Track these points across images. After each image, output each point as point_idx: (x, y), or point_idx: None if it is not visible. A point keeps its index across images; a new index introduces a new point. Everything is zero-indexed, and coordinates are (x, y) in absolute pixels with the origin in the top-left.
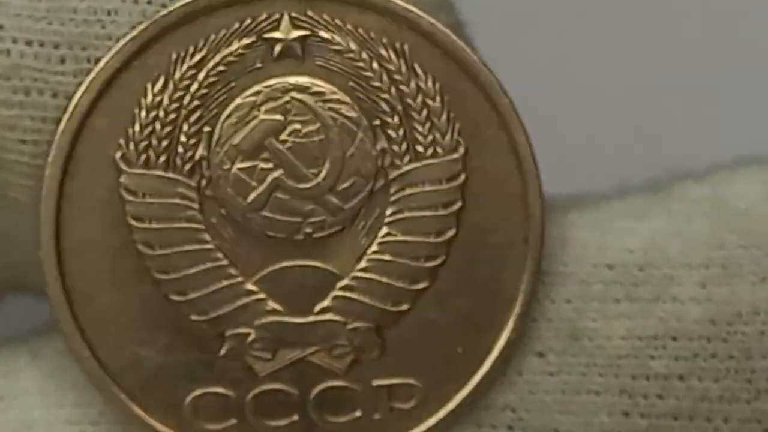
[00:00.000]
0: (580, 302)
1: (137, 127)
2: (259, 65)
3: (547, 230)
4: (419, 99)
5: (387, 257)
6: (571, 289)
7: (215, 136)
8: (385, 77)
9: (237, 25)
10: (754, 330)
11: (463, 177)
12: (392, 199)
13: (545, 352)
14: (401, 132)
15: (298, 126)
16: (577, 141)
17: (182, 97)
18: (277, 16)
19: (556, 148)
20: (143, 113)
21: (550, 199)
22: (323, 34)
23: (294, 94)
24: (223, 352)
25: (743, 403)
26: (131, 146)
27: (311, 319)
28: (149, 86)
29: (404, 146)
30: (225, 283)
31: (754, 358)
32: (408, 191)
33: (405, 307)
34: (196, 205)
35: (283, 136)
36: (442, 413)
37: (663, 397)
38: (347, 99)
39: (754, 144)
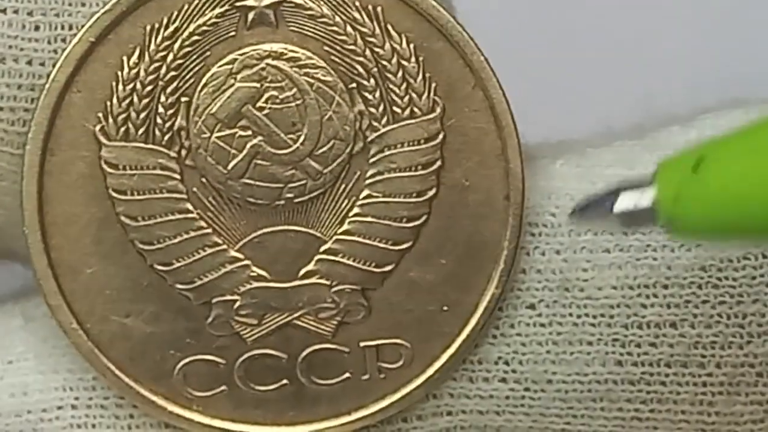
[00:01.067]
0: (570, 253)
1: (115, 100)
2: (233, 33)
3: (534, 181)
4: (394, 60)
5: (369, 219)
6: (561, 240)
7: (193, 106)
8: (359, 40)
9: None
10: (745, 274)
11: (441, 136)
12: (372, 161)
13: (536, 305)
14: (378, 94)
15: (274, 92)
16: (558, 85)
17: (158, 69)
18: None
19: (538, 94)
20: (120, 86)
21: (535, 147)
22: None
23: (269, 60)
24: (209, 320)
25: (736, 348)
26: (110, 119)
27: (296, 283)
28: (125, 59)
29: (381, 108)
30: (209, 251)
31: (745, 303)
32: (387, 153)
33: (389, 268)
34: (177, 176)
35: (260, 103)
36: (430, 371)
37: (656, 345)
38: (322, 63)
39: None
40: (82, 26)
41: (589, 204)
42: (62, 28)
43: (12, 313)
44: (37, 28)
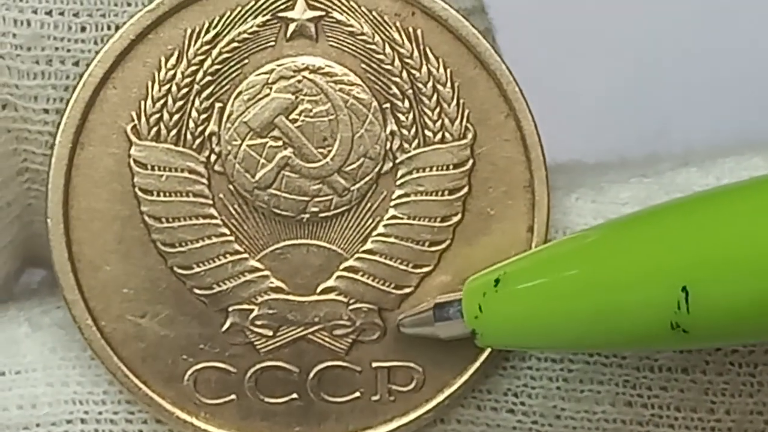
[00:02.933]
0: None
1: (149, 100)
2: (272, 43)
3: (550, 213)
4: (430, 84)
5: (392, 239)
6: None
7: (226, 112)
8: (397, 61)
9: (252, 3)
10: None
11: (470, 163)
12: (399, 182)
13: None
14: (411, 116)
15: (308, 105)
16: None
17: (195, 72)
18: None
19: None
20: (156, 87)
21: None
22: (337, 15)
23: (306, 73)
24: (224, 327)
25: (746, 396)
26: (143, 119)
27: (314, 298)
28: (163, 60)
29: (413, 130)
30: (229, 258)
31: (756, 353)
32: (415, 175)
33: (408, 290)
34: (204, 180)
35: (293, 115)
36: (440, 397)
37: (666, 389)
38: (358, 81)
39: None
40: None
41: (415, 320)
42: (108, 28)
43: (17, 320)
44: (83, 29)
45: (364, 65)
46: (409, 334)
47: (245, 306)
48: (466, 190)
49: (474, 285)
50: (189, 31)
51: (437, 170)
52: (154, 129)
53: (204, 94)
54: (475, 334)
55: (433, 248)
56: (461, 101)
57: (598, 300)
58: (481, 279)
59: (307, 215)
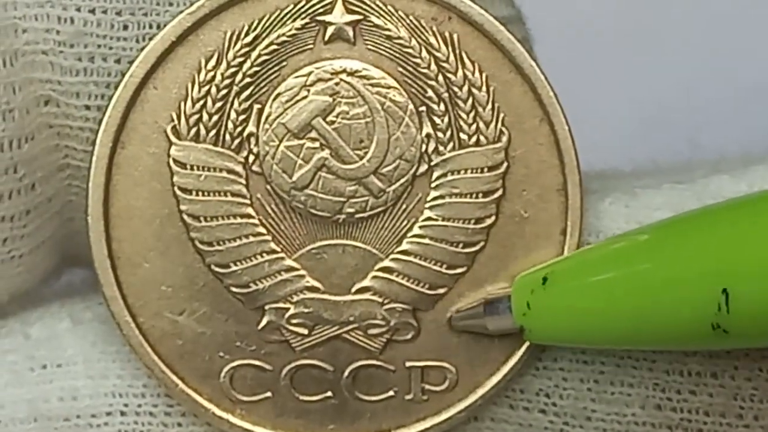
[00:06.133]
0: None
1: (189, 101)
2: (310, 46)
3: (584, 217)
4: (465, 88)
5: (427, 241)
6: None
7: (264, 114)
8: (433, 65)
9: (291, 6)
10: None
11: (504, 166)
12: (434, 184)
13: None
14: (446, 119)
15: (345, 108)
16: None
17: (234, 74)
18: None
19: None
20: (196, 88)
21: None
22: (375, 19)
23: (343, 76)
24: (261, 325)
25: None
26: (182, 119)
27: (349, 297)
28: (203, 61)
29: (449, 133)
30: (266, 257)
31: None
32: (450, 177)
33: (442, 290)
34: (242, 180)
35: (330, 117)
36: (473, 397)
37: (696, 393)
38: (395, 84)
39: None
40: (166, 25)
41: (465, 314)
42: (150, 27)
43: (59, 315)
44: (125, 27)
45: (400, 68)
46: (459, 327)
47: (281, 305)
48: (500, 192)
49: (522, 282)
50: (229, 33)
51: (472, 173)
52: (194, 129)
53: (243, 96)
54: (524, 329)
55: (467, 250)
56: (496, 105)
57: (641, 301)
58: (530, 277)
59: (343, 216)
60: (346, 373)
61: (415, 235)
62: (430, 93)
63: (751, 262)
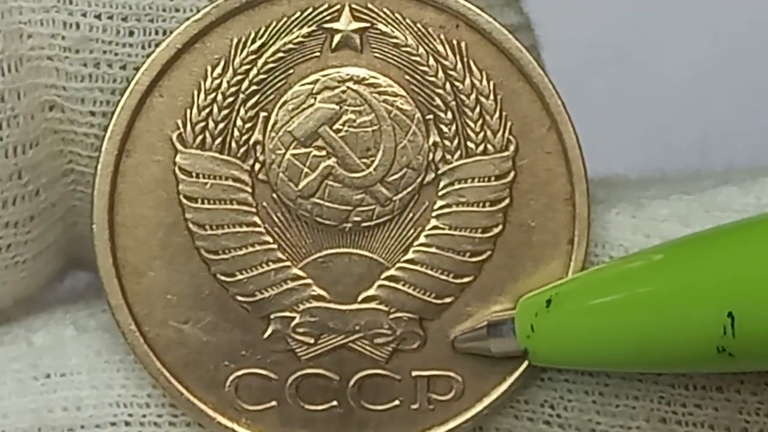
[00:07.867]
0: None
1: (195, 109)
2: (317, 54)
3: (591, 227)
4: (473, 96)
5: (433, 250)
6: None
7: (271, 122)
8: (440, 73)
9: (298, 13)
10: None
11: (512, 175)
12: (441, 192)
13: None
14: (453, 128)
15: (352, 116)
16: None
17: (241, 82)
18: (337, 7)
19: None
20: (202, 95)
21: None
22: (382, 27)
23: (350, 84)
24: (266, 334)
25: None
26: (188, 127)
27: (355, 306)
28: (209, 69)
29: (456, 142)
30: (272, 266)
31: None
32: (457, 186)
33: (448, 300)
34: (248, 188)
35: (337, 125)
36: (479, 407)
37: (701, 407)
38: (402, 92)
39: None
40: (172, 32)
41: (469, 336)
42: (156, 33)
43: (63, 322)
44: (131, 33)
45: (408, 77)
46: (463, 349)
47: (287, 313)
48: (507, 201)
49: (526, 305)
50: (235, 40)
51: (479, 181)
52: (200, 137)
53: (249, 104)
54: (528, 352)
55: (474, 259)
56: (504, 113)
57: (645, 324)
58: (533, 299)
59: (350, 224)
60: (351, 383)
61: (421, 244)
62: (438, 101)
63: (757, 285)
